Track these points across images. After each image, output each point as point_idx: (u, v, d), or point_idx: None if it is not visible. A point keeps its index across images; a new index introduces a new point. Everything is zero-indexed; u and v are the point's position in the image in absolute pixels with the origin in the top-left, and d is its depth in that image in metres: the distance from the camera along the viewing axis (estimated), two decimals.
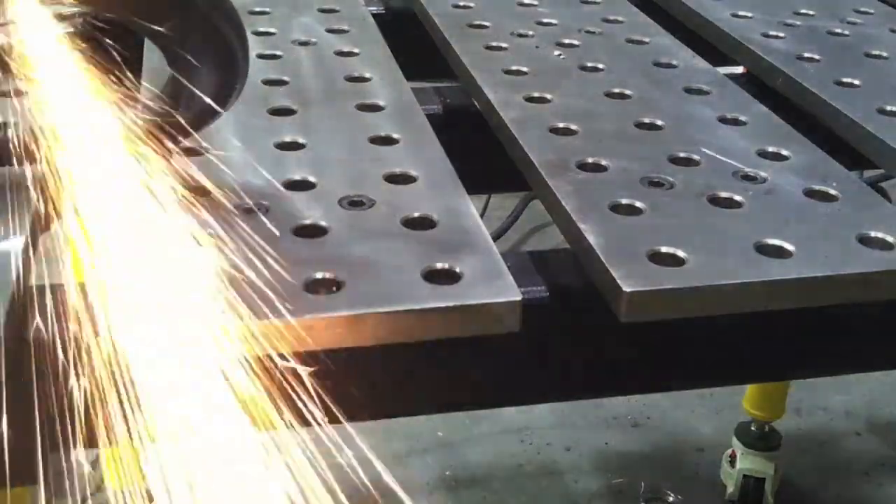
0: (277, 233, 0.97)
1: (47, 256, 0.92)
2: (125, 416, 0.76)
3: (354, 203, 1.08)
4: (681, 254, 1.00)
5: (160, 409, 0.74)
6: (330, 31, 1.58)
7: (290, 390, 0.79)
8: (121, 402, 0.77)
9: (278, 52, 1.48)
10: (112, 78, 0.97)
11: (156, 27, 0.98)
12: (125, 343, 0.78)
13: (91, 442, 0.81)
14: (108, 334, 0.79)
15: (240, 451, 0.71)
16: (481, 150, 1.34)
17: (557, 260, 1.08)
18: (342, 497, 0.70)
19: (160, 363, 0.76)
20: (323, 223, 1.03)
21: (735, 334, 1.11)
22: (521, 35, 1.60)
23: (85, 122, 0.95)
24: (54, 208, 0.93)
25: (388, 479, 0.73)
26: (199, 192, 0.99)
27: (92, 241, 0.85)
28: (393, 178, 1.13)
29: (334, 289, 0.92)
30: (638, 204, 1.09)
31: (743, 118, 1.32)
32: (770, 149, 1.23)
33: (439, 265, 0.96)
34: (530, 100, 1.36)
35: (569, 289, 1.05)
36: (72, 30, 0.98)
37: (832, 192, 1.13)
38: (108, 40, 0.98)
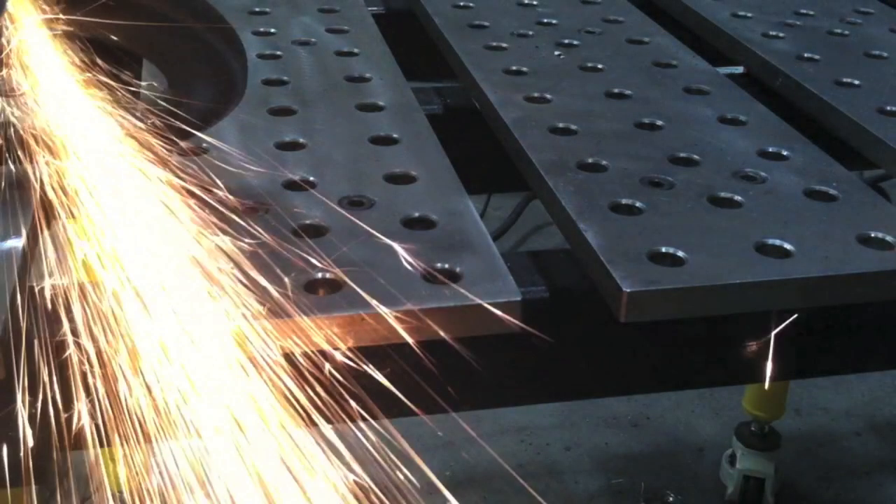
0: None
1: None
2: None
3: (354, 203, 1.08)
4: (681, 254, 1.00)
5: None
6: (330, 31, 1.58)
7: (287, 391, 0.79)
8: None
9: (278, 52, 1.48)
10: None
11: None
12: None
13: None
14: None
15: None
16: (481, 150, 1.34)
17: (557, 260, 1.08)
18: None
19: None
20: (323, 223, 1.03)
21: (735, 334, 1.11)
22: (521, 35, 1.60)
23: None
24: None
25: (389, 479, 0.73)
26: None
27: None
28: (393, 178, 1.13)
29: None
30: (638, 204, 1.09)
31: (743, 118, 1.32)
32: (770, 149, 1.23)
33: (439, 265, 0.96)
34: (530, 100, 1.36)
35: (569, 289, 1.05)
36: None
37: (832, 192, 1.13)
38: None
